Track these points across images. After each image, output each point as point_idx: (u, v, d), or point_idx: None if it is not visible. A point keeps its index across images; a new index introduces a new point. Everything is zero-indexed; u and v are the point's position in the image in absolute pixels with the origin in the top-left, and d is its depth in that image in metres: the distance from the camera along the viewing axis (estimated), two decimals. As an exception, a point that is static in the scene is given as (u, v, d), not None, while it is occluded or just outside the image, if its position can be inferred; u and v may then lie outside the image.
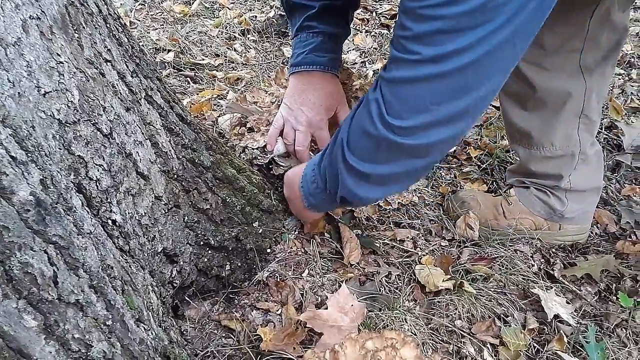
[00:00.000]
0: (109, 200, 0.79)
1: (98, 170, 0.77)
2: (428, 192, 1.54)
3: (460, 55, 0.73)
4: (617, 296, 1.21)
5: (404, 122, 0.81)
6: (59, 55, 0.71)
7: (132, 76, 0.90)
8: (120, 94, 0.85)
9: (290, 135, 1.22)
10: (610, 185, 1.60)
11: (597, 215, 1.44)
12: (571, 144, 1.26)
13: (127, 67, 0.89)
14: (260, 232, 1.17)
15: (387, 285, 1.19)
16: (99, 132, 0.78)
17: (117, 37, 0.88)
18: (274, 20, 2.29)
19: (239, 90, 1.77)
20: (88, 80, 0.77)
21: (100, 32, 0.83)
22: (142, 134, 0.89)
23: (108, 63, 0.83)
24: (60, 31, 0.73)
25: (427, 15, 0.72)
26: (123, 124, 0.84)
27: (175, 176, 0.98)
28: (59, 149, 0.71)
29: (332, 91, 1.22)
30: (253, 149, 1.29)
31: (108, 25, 0.86)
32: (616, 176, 1.65)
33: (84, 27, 0.78)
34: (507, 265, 1.27)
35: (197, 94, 1.71)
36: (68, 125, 0.72)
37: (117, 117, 0.82)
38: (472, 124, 0.85)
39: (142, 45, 1.99)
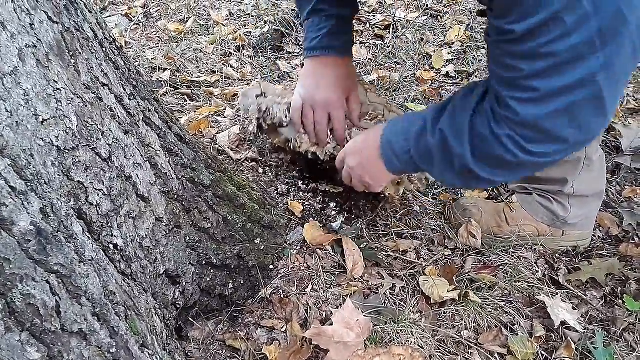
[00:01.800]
0: (109, 224, 0.79)
1: (98, 195, 0.77)
2: (429, 201, 1.54)
3: (577, 85, 0.75)
4: (623, 300, 1.20)
5: (549, 148, 0.84)
6: (56, 82, 0.71)
7: (129, 99, 0.90)
8: (118, 117, 0.85)
9: (310, 115, 1.25)
10: (610, 188, 1.60)
11: (599, 219, 1.44)
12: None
13: (125, 90, 0.90)
14: (262, 248, 1.17)
15: (391, 298, 1.18)
16: (98, 157, 0.78)
17: (113, 60, 0.88)
18: (268, 35, 2.29)
19: (236, 106, 1.77)
20: (86, 106, 0.77)
21: (96, 57, 0.83)
22: (141, 156, 0.89)
23: (105, 87, 0.83)
24: (57, 58, 0.73)
25: (543, 53, 0.73)
26: (122, 147, 0.84)
27: (176, 196, 0.98)
28: (59, 175, 0.70)
29: (347, 73, 1.27)
30: (277, 114, 1.30)
31: (104, 50, 0.86)
32: (616, 178, 1.64)
33: (80, 53, 0.78)
34: (511, 273, 1.26)
35: (195, 112, 1.71)
36: (67, 151, 0.72)
37: (115, 141, 0.82)
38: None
39: (138, 65, 2.00)
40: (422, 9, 2.53)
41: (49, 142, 0.69)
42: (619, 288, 1.25)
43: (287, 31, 2.33)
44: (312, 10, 1.23)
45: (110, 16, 2.38)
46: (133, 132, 0.88)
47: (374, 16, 2.52)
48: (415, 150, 1.01)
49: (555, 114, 0.78)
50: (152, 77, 1.92)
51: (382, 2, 2.65)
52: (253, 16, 2.46)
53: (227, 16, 2.48)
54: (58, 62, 0.73)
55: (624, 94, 2.01)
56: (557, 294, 1.22)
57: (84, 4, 0.86)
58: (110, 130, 0.82)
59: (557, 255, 1.36)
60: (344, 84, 1.26)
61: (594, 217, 1.38)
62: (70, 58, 0.76)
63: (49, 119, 0.69)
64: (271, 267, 1.18)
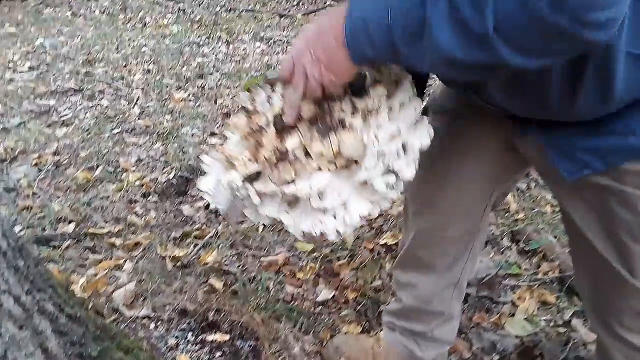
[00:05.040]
0: (-2, 416, 0.90)
1: (-10, 392, 0.89)
2: (310, 339, 1.74)
3: None
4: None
5: (603, 15, 0.63)
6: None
7: (26, 294, 1.06)
8: (15, 316, 1.00)
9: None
10: (461, 315, 1.90)
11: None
12: (443, 306, 1.48)
13: (23, 288, 1.05)
14: (148, 408, 1.29)
15: None
16: (-7, 358, 0.91)
17: (14, 265, 1.05)
18: (173, 181, 2.53)
19: (136, 257, 1.94)
20: (-15, 316, 0.92)
21: (-1, 268, 1.00)
22: (33, 345, 1.03)
23: (5, 293, 0.99)
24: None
25: None
26: (16, 342, 0.98)
27: (64, 374, 1.11)
28: (-45, 382, 0.83)
29: None
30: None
31: (7, 259, 1.02)
32: (467, 305, 1.96)
33: (-16, 270, 0.95)
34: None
35: (95, 267, 1.85)
36: (-36, 360, 0.86)
37: (11, 338, 0.97)
38: None
39: (43, 217, 2.13)
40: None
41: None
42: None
43: (191, 177, 2.59)
44: None
45: (19, 165, 2.52)
46: (27, 325, 1.03)
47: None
48: (399, 26, 0.74)
49: None
50: (56, 229, 2.06)
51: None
52: (160, 162, 2.71)
53: (136, 162, 2.70)
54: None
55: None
56: None
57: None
58: (7, 329, 0.97)
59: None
60: None
61: (446, 353, 1.62)
62: (-25, 276, 0.92)
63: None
64: None
